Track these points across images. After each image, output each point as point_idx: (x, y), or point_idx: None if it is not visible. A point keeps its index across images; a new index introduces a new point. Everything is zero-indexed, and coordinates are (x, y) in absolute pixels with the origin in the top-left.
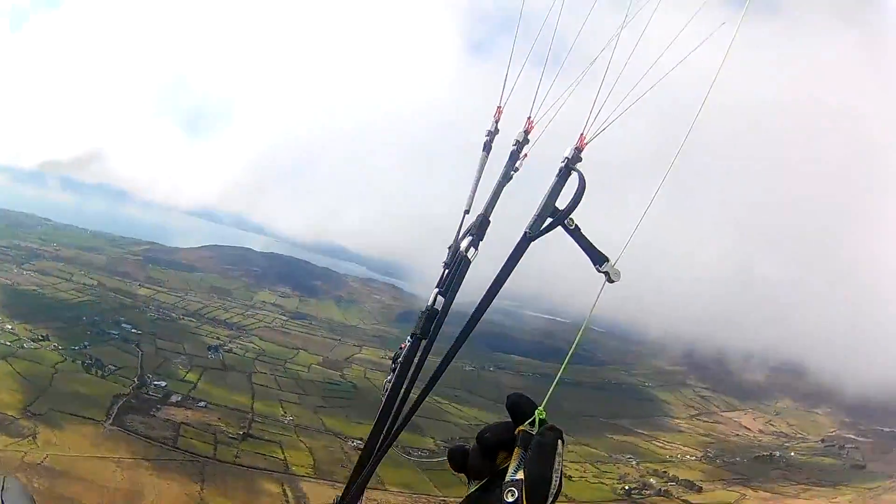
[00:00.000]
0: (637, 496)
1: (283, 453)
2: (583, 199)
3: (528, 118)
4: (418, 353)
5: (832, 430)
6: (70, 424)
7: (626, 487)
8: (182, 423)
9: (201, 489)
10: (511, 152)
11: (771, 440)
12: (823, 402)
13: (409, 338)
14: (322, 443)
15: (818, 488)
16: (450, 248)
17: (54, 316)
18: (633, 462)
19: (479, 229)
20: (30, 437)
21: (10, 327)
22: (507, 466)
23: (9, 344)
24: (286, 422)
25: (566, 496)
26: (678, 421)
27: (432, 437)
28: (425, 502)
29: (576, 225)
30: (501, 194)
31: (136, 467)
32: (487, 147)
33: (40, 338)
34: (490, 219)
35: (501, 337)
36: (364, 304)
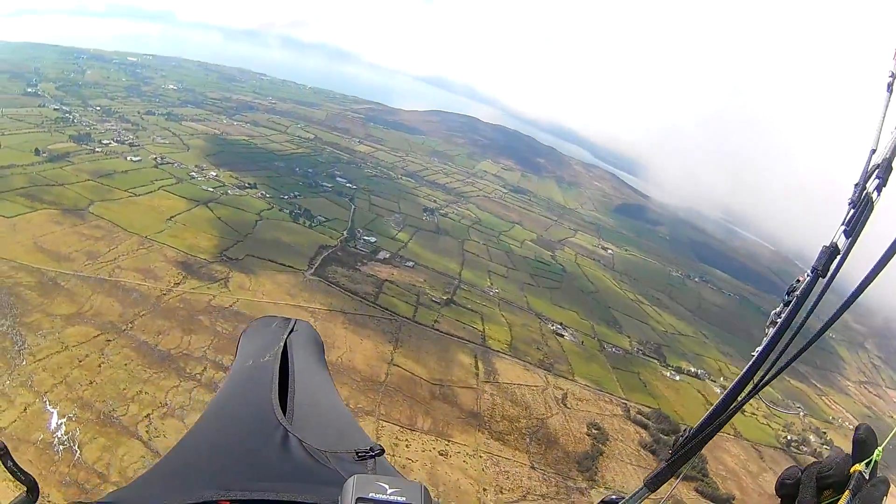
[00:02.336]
0: (795, 451)
1: (483, 325)
2: None
3: None
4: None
5: None
6: (266, 271)
7: (788, 437)
8: (386, 280)
9: (394, 349)
10: None
11: None
12: None
13: (808, 272)
14: (522, 320)
15: None
16: (856, 185)
17: (264, 166)
18: (801, 413)
19: (885, 173)
20: (221, 282)
21: (214, 174)
22: None
23: (212, 190)
24: (491, 294)
25: (734, 427)
26: (848, 383)
27: (629, 336)
28: (608, 401)
29: None
30: None
31: (331, 320)
32: (889, 88)
33: (247, 185)
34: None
35: (710, 249)
36: (584, 189)
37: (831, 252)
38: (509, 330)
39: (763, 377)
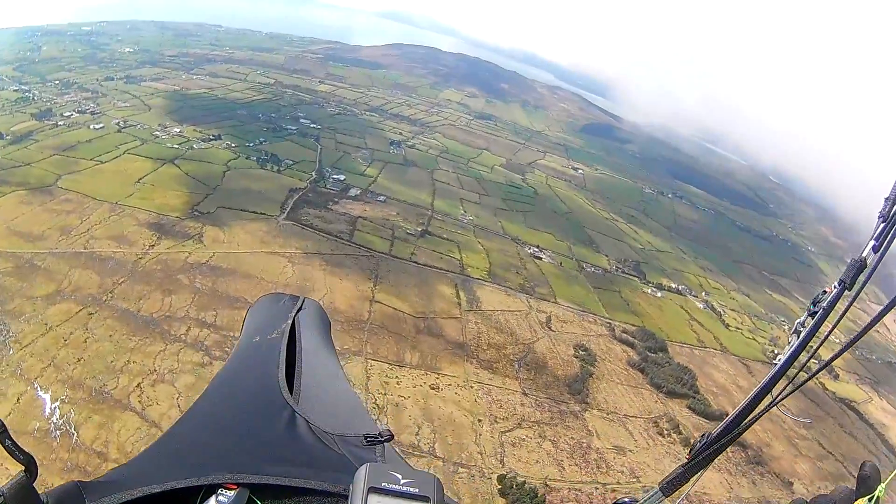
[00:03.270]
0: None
1: (460, 254)
2: None
3: None
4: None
5: None
6: (239, 222)
7: (775, 351)
8: (359, 216)
9: (374, 286)
10: None
11: None
12: None
13: (835, 284)
14: (499, 246)
15: None
16: (886, 199)
17: (227, 116)
18: (786, 326)
19: None
20: (195, 238)
21: (178, 130)
22: None
23: (177, 147)
24: (465, 222)
25: (721, 343)
26: None
27: (606, 255)
28: (592, 322)
29: None
30: None
31: (308, 262)
32: None
33: (211, 137)
34: None
35: (683, 166)
36: (550, 111)
37: (859, 266)
38: (487, 256)
39: (783, 387)
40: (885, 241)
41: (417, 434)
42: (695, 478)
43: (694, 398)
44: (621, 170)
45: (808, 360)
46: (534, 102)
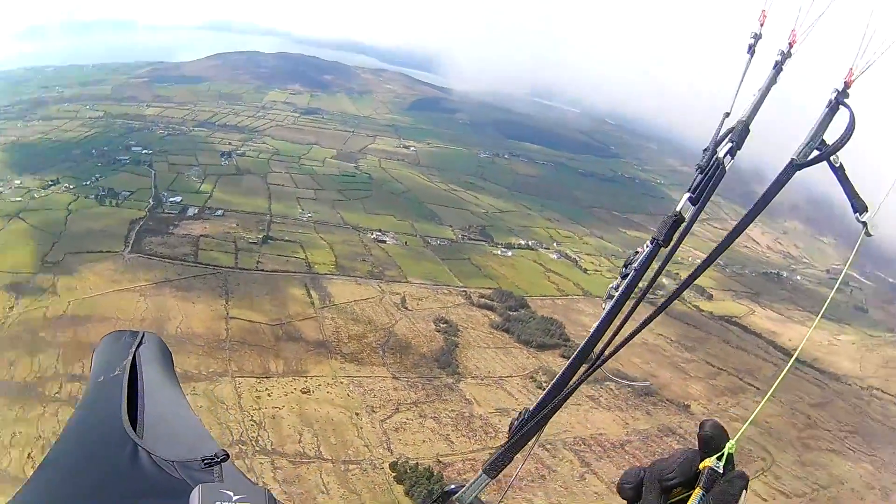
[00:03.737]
0: (650, 296)
1: (305, 253)
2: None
3: (793, 30)
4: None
5: (837, 263)
6: (87, 265)
7: (638, 285)
8: (201, 235)
9: (227, 303)
10: (775, 62)
11: (778, 259)
12: (830, 231)
13: (647, 242)
14: (342, 237)
15: (822, 321)
16: (705, 150)
17: (63, 158)
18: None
19: (738, 137)
20: (49, 291)
21: (18, 182)
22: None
23: (20, 199)
24: (305, 220)
25: (582, 288)
26: None
27: (450, 226)
28: (447, 293)
29: (841, 164)
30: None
31: (159, 293)
32: (751, 51)
33: (50, 183)
34: (750, 128)
35: (516, 125)
36: (376, 94)
37: (675, 220)
38: (331, 250)
39: (602, 352)
40: (704, 194)
41: (300, 441)
42: (523, 457)
43: (565, 346)
44: (454, 140)
45: (625, 321)
46: (359, 89)
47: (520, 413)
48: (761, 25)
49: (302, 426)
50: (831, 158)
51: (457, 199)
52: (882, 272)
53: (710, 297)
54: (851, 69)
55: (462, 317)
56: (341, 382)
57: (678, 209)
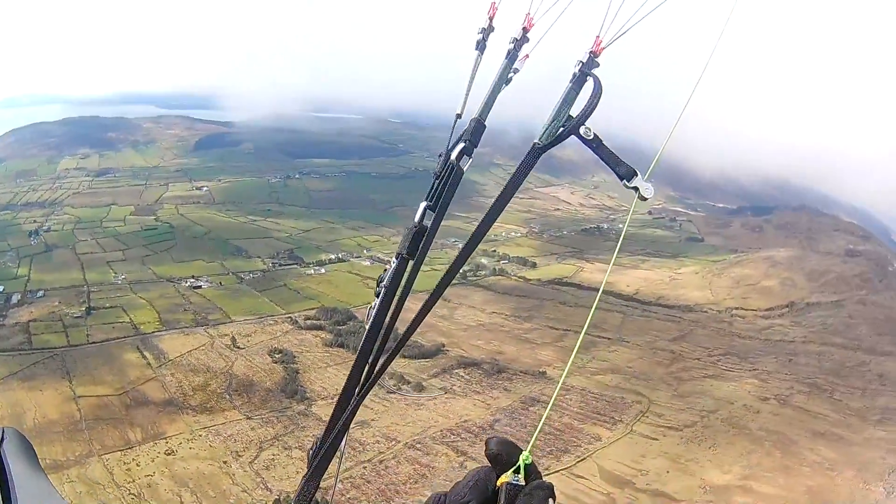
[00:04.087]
0: (474, 278)
1: (128, 315)
2: (598, 107)
3: (528, 14)
4: (405, 275)
5: (658, 203)
6: None
7: (464, 269)
8: (30, 321)
9: (70, 383)
10: (508, 51)
11: (594, 213)
12: (643, 173)
13: (394, 258)
14: (159, 292)
15: (658, 258)
16: (440, 155)
17: None
18: (460, 245)
19: (472, 135)
20: None
21: None
22: None
23: None
24: (119, 282)
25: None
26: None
27: (259, 257)
28: (274, 323)
29: (595, 135)
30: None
31: (8, 387)
32: (481, 46)
33: None
34: (485, 123)
35: (300, 143)
36: (161, 142)
37: (417, 231)
38: (152, 307)
39: (375, 366)
40: (442, 199)
41: (182, 503)
42: (336, 477)
43: (406, 345)
44: (243, 171)
45: (386, 337)
46: (143, 140)
47: (314, 442)
48: (491, 19)
49: (178, 488)
50: (582, 132)
51: (258, 229)
52: (708, 200)
53: (535, 266)
54: (599, 38)
55: (294, 343)
56: (200, 436)
57: (417, 220)
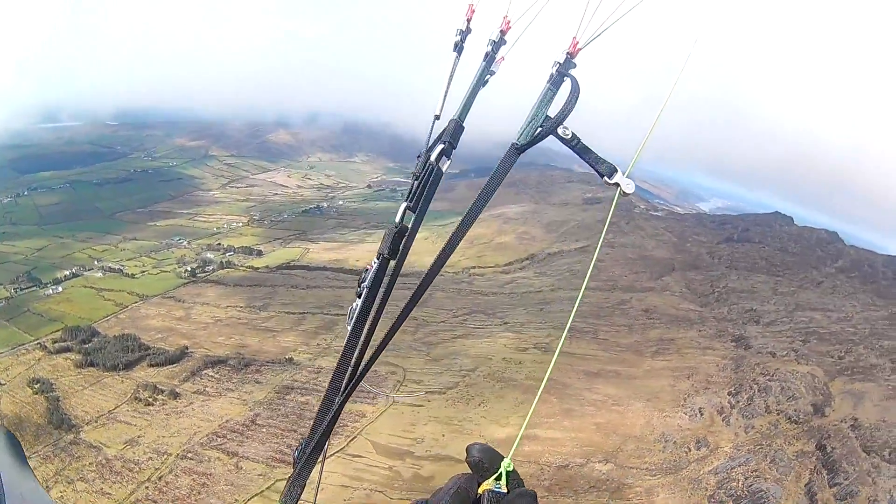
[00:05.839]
0: (203, 273)
1: None
2: (576, 106)
3: (505, 17)
4: (387, 275)
5: (376, 175)
6: None
7: (189, 268)
8: None
9: None
10: (486, 54)
11: (313, 194)
12: (359, 150)
13: (375, 258)
14: None
15: (383, 230)
16: (419, 157)
17: None
18: (185, 242)
19: (451, 136)
20: None
21: None
22: None
23: None
24: None
25: (137, 294)
26: (213, 192)
27: (1, 284)
28: (25, 353)
29: (573, 134)
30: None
31: None
32: (458, 48)
33: None
34: (464, 125)
35: (28, 158)
36: None
37: (397, 232)
38: None
39: (359, 366)
40: (422, 200)
41: None
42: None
43: (149, 355)
44: None
45: (367, 337)
46: None
47: (298, 443)
48: (468, 21)
49: None
50: (560, 131)
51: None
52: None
53: (261, 254)
54: (575, 39)
55: (48, 369)
56: None
57: (398, 220)
